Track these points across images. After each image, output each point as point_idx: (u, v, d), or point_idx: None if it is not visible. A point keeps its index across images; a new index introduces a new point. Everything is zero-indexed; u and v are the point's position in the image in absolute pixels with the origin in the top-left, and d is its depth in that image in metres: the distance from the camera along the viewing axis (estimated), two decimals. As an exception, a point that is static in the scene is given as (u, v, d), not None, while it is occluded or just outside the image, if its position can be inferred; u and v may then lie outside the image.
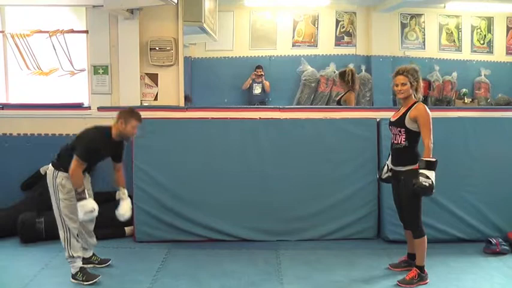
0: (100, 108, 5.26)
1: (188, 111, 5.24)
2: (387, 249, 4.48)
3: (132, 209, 4.10)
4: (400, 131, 3.73)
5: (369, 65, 8.69)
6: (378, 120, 4.79)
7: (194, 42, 8.14)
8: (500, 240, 4.44)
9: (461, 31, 9.07)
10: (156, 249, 4.47)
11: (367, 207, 4.75)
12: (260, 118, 4.95)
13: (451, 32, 9.05)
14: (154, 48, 5.56)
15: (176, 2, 5.34)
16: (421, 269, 3.75)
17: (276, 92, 8.49)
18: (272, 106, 6.19)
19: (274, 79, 8.52)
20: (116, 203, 3.98)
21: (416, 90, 3.75)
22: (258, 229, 4.72)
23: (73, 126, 5.10)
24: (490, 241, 4.41)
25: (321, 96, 8.60)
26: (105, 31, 5.54)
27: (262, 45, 8.78)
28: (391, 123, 3.86)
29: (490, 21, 9.11)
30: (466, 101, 8.77)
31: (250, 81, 8.30)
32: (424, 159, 3.55)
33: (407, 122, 3.68)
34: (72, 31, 5.78)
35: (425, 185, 3.50)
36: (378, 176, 4.15)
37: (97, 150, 3.71)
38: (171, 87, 5.65)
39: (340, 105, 5.94)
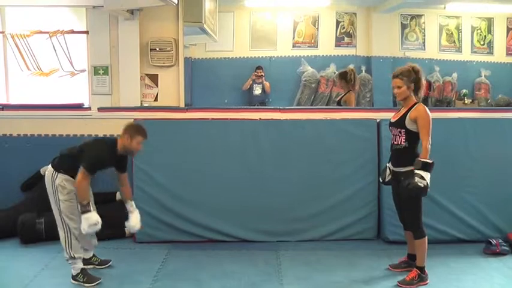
0: (100, 109, 5.26)
1: (188, 112, 5.23)
2: (387, 250, 4.47)
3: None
4: (400, 132, 3.73)
5: (369, 65, 8.70)
6: (378, 121, 4.78)
7: (194, 43, 8.14)
8: (500, 240, 4.44)
9: (461, 32, 9.08)
10: (156, 250, 4.46)
11: (367, 207, 4.75)
12: (260, 119, 4.94)
13: (451, 33, 9.06)
14: (155, 49, 5.56)
15: (176, 2, 5.34)
16: (422, 269, 3.75)
17: (276, 92, 8.50)
18: (272, 107, 6.18)
19: (275, 80, 8.53)
20: (116, 204, 3.97)
21: (416, 90, 3.74)
22: (258, 230, 4.71)
23: (73, 126, 5.14)
24: (490, 242, 4.41)
25: (321, 97, 8.61)
26: (105, 32, 5.55)
27: (263, 46, 8.79)
28: (391, 124, 3.86)
29: (490, 22, 9.13)
30: (466, 101, 8.78)
31: (251, 82, 8.31)
32: (421, 160, 3.56)
33: (408, 123, 3.68)
34: (73, 32, 5.79)
35: (419, 186, 3.50)
36: (380, 180, 4.12)
37: (103, 162, 3.73)
38: (171, 87, 5.66)
39: (341, 105, 5.94)
